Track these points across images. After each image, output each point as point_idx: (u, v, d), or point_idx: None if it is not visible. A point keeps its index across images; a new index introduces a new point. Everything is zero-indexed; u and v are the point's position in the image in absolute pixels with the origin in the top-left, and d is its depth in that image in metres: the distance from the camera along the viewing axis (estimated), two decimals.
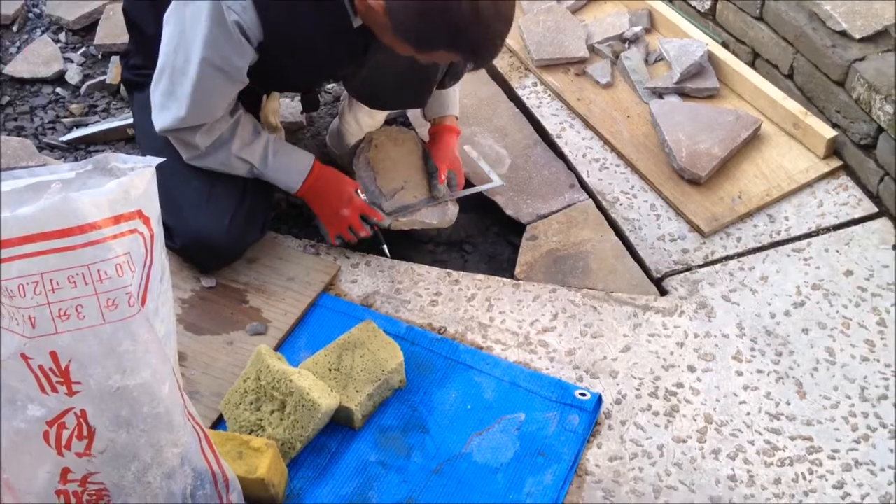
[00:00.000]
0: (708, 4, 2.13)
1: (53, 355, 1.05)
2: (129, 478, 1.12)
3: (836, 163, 1.81)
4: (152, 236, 1.11)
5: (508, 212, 1.84)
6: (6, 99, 2.22)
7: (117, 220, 1.05)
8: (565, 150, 1.93)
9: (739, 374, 1.48)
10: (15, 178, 1.13)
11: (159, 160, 1.14)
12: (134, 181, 1.08)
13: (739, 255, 1.67)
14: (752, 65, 2.03)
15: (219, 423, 1.43)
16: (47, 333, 1.04)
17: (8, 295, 1.03)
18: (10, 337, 1.06)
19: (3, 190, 1.11)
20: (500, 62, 2.17)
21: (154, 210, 1.11)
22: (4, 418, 1.10)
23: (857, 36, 1.77)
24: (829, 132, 1.80)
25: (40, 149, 1.99)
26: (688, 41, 2.02)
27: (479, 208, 1.92)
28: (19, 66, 2.29)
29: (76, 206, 1.01)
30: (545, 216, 1.81)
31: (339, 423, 1.43)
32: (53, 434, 1.10)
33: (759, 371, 1.48)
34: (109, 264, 1.04)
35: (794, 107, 1.86)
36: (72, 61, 2.31)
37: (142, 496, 1.13)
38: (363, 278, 1.68)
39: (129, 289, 1.06)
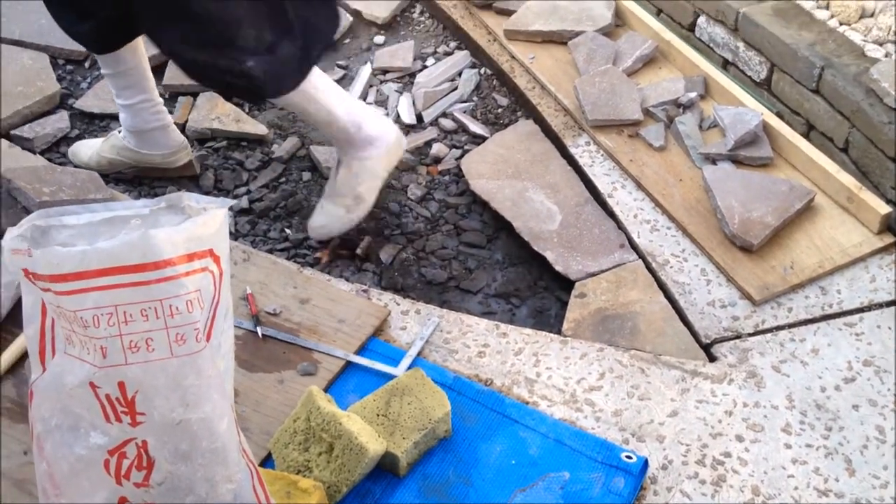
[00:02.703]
0: (764, 75, 2.16)
1: (121, 385, 1.08)
2: None
3: (889, 239, 1.80)
4: (221, 275, 1.14)
5: (558, 268, 1.86)
6: (76, 132, 2.31)
7: (190, 258, 1.09)
8: (616, 209, 1.95)
9: (788, 446, 1.46)
10: (92, 211, 1.18)
11: (231, 202, 1.18)
12: (207, 221, 1.12)
13: (790, 325, 1.67)
14: (806, 136, 2.04)
15: (267, 462, 1.45)
16: (117, 364, 1.07)
17: (82, 325, 1.07)
18: (81, 365, 1.10)
19: (81, 222, 1.17)
20: (554, 120, 2.21)
21: (224, 250, 1.15)
22: (66, 444, 1.13)
23: None
24: (884, 208, 1.80)
25: (106, 182, 2.05)
26: (743, 109, 2.04)
27: (528, 262, 1.95)
28: (89, 101, 2.38)
29: (154, 243, 1.06)
30: (594, 274, 1.82)
31: (384, 469, 1.44)
32: (114, 463, 1.12)
33: (809, 445, 1.47)
34: (181, 300, 1.07)
35: (849, 180, 1.87)
36: None
37: None
38: (412, 325, 1.70)
39: (198, 325, 1.09)
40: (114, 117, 2.34)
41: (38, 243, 1.12)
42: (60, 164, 2.15)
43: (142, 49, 1.95)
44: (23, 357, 1.59)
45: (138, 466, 1.12)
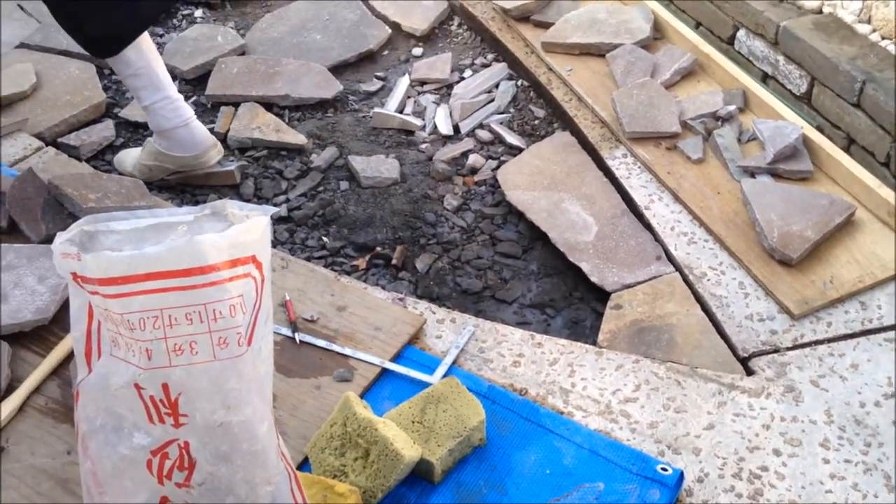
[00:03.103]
0: (804, 88, 2.15)
1: (165, 387, 1.11)
2: None
3: None
4: (262, 281, 1.17)
5: (593, 279, 1.86)
6: (120, 140, 2.36)
7: (234, 263, 1.11)
8: (653, 221, 1.95)
9: (826, 461, 1.45)
10: (138, 217, 1.21)
11: (273, 210, 1.20)
12: (250, 228, 1.14)
13: (829, 340, 1.65)
14: (847, 150, 2.02)
15: (303, 466, 1.46)
16: (162, 366, 1.10)
17: (129, 327, 1.10)
18: (126, 367, 1.12)
19: (127, 228, 1.19)
20: (591, 132, 2.21)
21: (266, 257, 1.17)
22: (110, 444, 1.16)
23: None
24: None
25: (150, 189, 2.10)
26: (782, 123, 2.03)
27: (563, 273, 1.95)
28: (134, 111, 2.43)
29: (199, 249, 1.08)
30: (630, 286, 1.82)
31: (419, 476, 1.44)
32: (156, 463, 1.14)
33: (847, 461, 1.45)
34: (224, 305, 1.10)
35: (890, 195, 1.84)
36: None
37: None
38: (447, 334, 1.71)
39: (240, 329, 1.11)
40: None
41: (86, 248, 1.14)
42: (106, 171, 2.20)
43: (149, 49, 1.98)
44: (67, 359, 1.62)
45: (180, 467, 1.14)
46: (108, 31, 1.89)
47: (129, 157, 2.22)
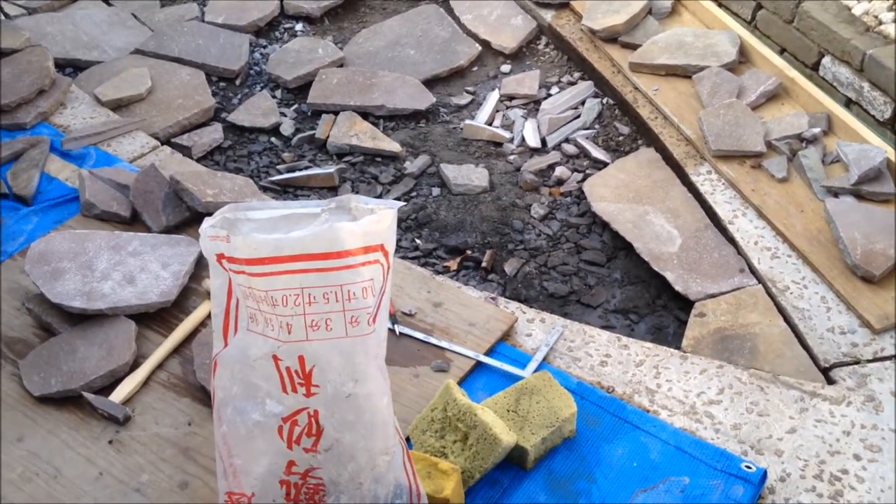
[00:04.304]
0: (888, 114, 2.20)
1: (301, 359, 1.23)
2: (346, 476, 1.26)
3: None
4: (388, 268, 1.28)
5: (678, 287, 1.94)
6: (227, 143, 2.52)
7: (366, 250, 1.23)
8: (736, 236, 2.02)
9: None
10: (272, 208, 1.34)
11: (400, 204, 1.32)
12: (379, 219, 1.26)
13: None
14: None
15: None
16: (300, 340, 1.22)
17: (271, 303, 1.22)
18: (264, 340, 1.25)
19: (263, 217, 1.32)
20: (676, 149, 2.29)
21: (391, 246, 1.28)
22: (244, 411, 1.28)
23: None
24: None
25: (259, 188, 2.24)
26: (867, 146, 2.09)
27: (647, 282, 2.03)
28: (240, 116, 2.59)
29: (338, 235, 1.20)
30: (714, 296, 1.90)
31: (512, 462, 1.54)
32: (287, 429, 1.26)
33: None
34: (357, 287, 1.21)
35: None
36: (285, 115, 2.61)
37: (352, 495, 1.27)
38: (537, 333, 1.81)
39: (370, 310, 1.23)
40: (262, 131, 2.55)
41: (230, 232, 1.27)
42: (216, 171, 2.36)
43: None
44: (188, 338, 1.76)
45: (308, 433, 1.26)
46: None
47: None
